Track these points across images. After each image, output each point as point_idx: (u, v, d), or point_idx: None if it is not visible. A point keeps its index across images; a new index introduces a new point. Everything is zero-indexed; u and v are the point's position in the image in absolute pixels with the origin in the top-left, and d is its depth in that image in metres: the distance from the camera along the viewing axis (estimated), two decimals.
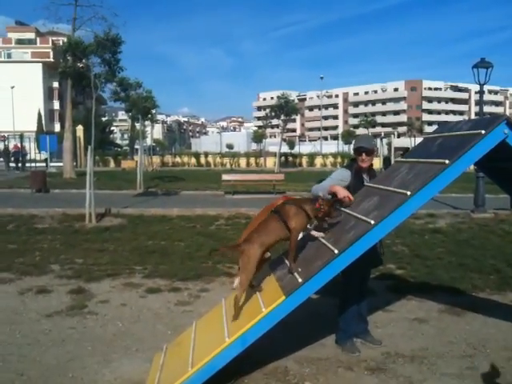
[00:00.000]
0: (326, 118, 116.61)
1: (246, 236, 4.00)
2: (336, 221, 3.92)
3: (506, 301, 6.09)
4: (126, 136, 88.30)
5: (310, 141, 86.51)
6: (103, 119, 66.88)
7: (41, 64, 71.14)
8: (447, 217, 12.96)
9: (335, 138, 79.10)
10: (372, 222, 3.34)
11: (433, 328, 5.15)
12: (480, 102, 13.80)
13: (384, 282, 6.80)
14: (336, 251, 3.35)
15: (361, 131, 70.60)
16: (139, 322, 5.38)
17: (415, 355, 4.45)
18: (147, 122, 44.93)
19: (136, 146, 32.61)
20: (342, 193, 4.13)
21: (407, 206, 3.33)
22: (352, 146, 4.70)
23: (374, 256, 4.63)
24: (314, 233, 4.07)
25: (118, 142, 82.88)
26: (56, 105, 74.49)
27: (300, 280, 3.34)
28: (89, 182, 12.40)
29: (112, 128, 73.33)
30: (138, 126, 32.19)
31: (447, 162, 3.29)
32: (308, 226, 4.10)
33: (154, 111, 28.29)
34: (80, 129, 38.32)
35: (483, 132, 3.29)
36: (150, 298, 6.21)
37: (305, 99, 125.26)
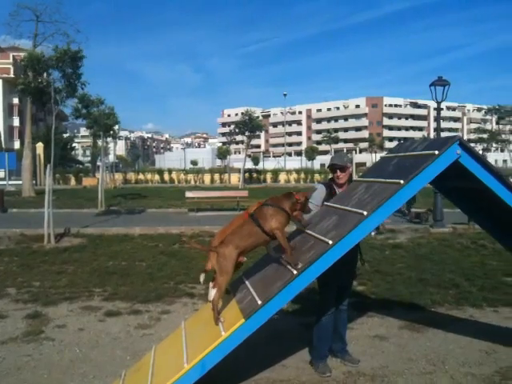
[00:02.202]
0: (289, 134, 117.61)
1: (219, 239, 3.96)
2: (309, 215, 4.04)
3: (465, 315, 6.20)
4: (88, 153, 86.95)
5: (274, 157, 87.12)
6: (64, 136, 65.63)
7: (0, 80, 69.56)
8: (407, 232, 13.19)
9: (299, 153, 79.78)
10: (330, 242, 3.35)
11: (393, 345, 5.19)
12: (437, 119, 14.19)
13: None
14: (295, 272, 3.34)
15: (324, 147, 71.54)
16: (97, 348, 5.23)
17: (376, 374, 4.46)
18: (109, 139, 44.34)
19: (98, 163, 32.12)
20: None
21: (364, 226, 3.36)
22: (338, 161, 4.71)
23: (351, 270, 4.70)
24: (273, 254, 4.04)
25: (80, 158, 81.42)
26: (16, 121, 72.65)
27: (259, 302, 3.31)
28: (47, 201, 12.11)
29: (73, 145, 72.06)
30: (100, 142, 31.74)
31: (402, 182, 3.34)
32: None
33: (116, 127, 27.96)
34: (40, 146, 37.50)
35: (436, 152, 3.36)
36: (109, 322, 6.06)
37: (269, 116, 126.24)
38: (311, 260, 3.34)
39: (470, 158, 3.44)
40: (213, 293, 4.08)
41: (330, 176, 4.71)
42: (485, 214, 4.49)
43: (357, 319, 6.00)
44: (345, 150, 74.14)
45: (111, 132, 29.25)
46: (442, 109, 14.05)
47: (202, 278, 4.46)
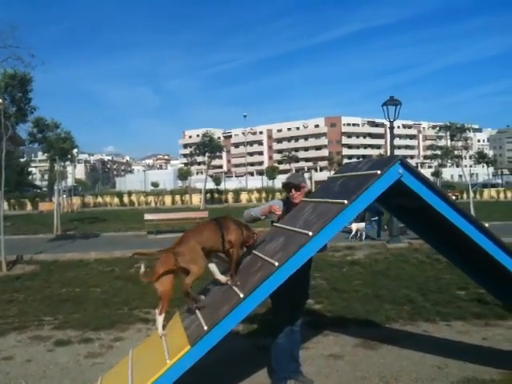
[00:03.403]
0: (251, 154, 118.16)
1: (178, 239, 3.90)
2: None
3: (419, 331, 6.26)
4: (46, 177, 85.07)
5: (236, 176, 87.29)
6: (21, 160, 64.06)
7: None
8: (365, 248, 13.36)
9: (261, 173, 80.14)
10: (276, 263, 3.33)
11: (347, 364, 5.18)
12: (391, 138, 14.54)
13: (302, 318, 6.80)
14: (241, 295, 3.30)
15: (285, 167, 72.17)
16: (44, 379, 5.04)
17: None
18: (68, 163, 43.52)
19: (56, 187, 31.48)
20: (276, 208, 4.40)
21: (309, 247, 3.35)
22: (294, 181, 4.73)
23: (304, 291, 4.69)
24: (219, 277, 3.97)
25: (38, 183, 79.47)
26: None
27: (205, 328, 3.25)
28: None
29: (30, 169, 70.37)
30: (57, 166, 31.07)
31: (346, 202, 3.37)
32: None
33: (75, 151, 27.43)
34: None
35: (379, 172, 3.41)
36: (58, 352, 5.85)
37: (230, 136, 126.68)
38: (258, 282, 3.31)
39: (412, 177, 3.50)
40: (160, 320, 3.97)
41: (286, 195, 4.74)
42: (429, 230, 4.57)
43: (312, 338, 5.98)
44: (305, 169, 75.01)
45: (69, 156, 28.69)
46: (396, 127, 14.41)
47: (142, 267, 4.14)
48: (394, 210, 5.00)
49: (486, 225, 3.69)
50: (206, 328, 3.25)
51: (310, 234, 3.35)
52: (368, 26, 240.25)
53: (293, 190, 4.55)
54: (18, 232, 20.25)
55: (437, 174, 49.76)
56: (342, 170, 4.53)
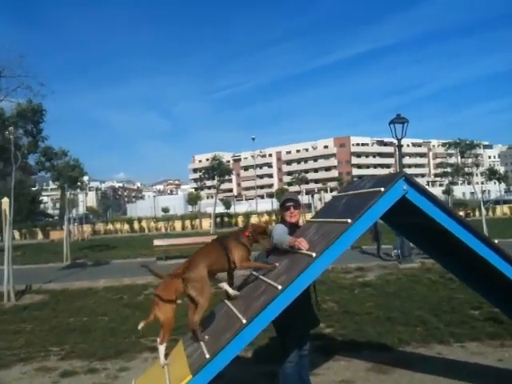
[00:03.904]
0: (260, 176, 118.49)
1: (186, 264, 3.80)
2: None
3: (432, 353, 6.08)
4: (58, 205, 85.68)
5: (246, 200, 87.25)
6: (33, 189, 64.63)
7: None
8: (376, 269, 13.14)
9: (271, 195, 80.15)
10: (279, 287, 3.22)
11: None
12: (399, 156, 14.43)
13: (312, 342, 6.61)
14: (244, 321, 3.18)
15: (294, 188, 72.09)
16: None
17: None
18: (78, 191, 43.79)
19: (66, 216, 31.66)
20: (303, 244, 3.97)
21: (313, 269, 3.24)
22: (279, 205, 4.62)
23: (310, 316, 4.49)
24: (227, 288, 3.88)
25: (50, 211, 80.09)
26: None
27: (207, 356, 3.13)
28: (7, 257, 11.72)
29: (42, 198, 70.87)
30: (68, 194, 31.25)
31: (349, 221, 3.26)
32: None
33: (86, 178, 27.57)
34: (6, 201, 36.69)
35: (382, 189, 3.31)
36: (64, 383, 5.73)
37: (240, 159, 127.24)
38: (261, 307, 3.19)
39: (417, 194, 3.39)
40: (162, 350, 3.86)
41: (281, 217, 4.59)
42: (438, 248, 4.44)
43: (323, 364, 5.81)
44: (315, 190, 74.77)
45: (78, 184, 28.88)
46: (406, 145, 14.34)
47: (141, 325, 4.10)
48: (400, 229, 4.87)
49: (496, 241, 3.55)
50: (208, 356, 3.13)
51: (314, 255, 3.24)
52: (374, 46, 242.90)
53: (292, 208, 4.39)
54: (28, 261, 20.25)
55: (448, 191, 49.28)
56: (346, 189, 4.43)
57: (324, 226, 3.74)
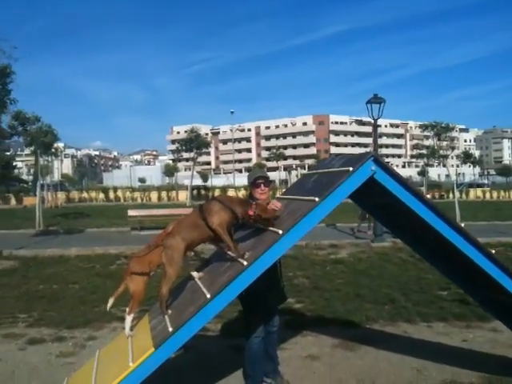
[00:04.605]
0: (239, 151, 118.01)
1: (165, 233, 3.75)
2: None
3: (399, 331, 6.18)
4: (32, 171, 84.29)
5: (224, 173, 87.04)
6: (7, 154, 63.34)
7: None
8: (348, 247, 13.29)
9: (249, 170, 80.00)
10: (245, 263, 3.21)
11: (324, 365, 5.08)
12: (374, 136, 14.49)
13: (281, 317, 6.67)
14: (208, 295, 3.18)
15: (272, 164, 72.06)
16: (12, 380, 4.88)
17: None
18: (53, 157, 43.08)
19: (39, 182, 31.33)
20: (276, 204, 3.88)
21: (279, 246, 3.24)
22: (248, 180, 4.49)
23: (277, 292, 4.49)
24: (193, 273, 3.89)
25: (25, 177, 78.64)
26: None
27: (170, 329, 3.12)
28: None
29: (15, 163, 69.53)
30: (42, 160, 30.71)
31: (317, 199, 3.26)
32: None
33: (62, 145, 27.13)
34: None
35: (351, 169, 3.30)
36: (30, 351, 5.70)
37: (218, 133, 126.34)
38: (225, 283, 3.19)
39: (385, 175, 3.39)
40: (129, 321, 3.85)
41: (249, 194, 4.52)
42: (405, 229, 4.48)
43: (290, 339, 5.87)
44: (293, 166, 74.90)
45: (52, 150, 28.38)
46: (384, 126, 14.39)
47: (110, 303, 4.07)
48: (370, 209, 4.90)
49: (463, 224, 3.59)
50: (170, 330, 3.12)
51: (280, 232, 3.23)
52: (355, 26, 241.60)
53: (262, 185, 4.28)
54: (0, 227, 19.96)
55: (423, 173, 49.94)
56: (316, 167, 4.42)
57: (292, 203, 3.73)
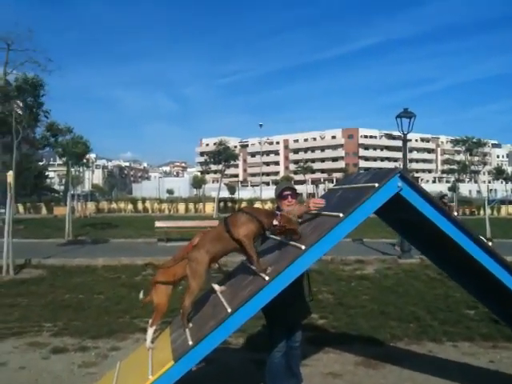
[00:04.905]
0: (267, 163, 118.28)
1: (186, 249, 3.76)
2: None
3: (424, 351, 6.04)
4: (64, 181, 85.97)
5: (252, 186, 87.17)
6: (40, 164, 64.82)
7: None
8: (375, 263, 13.10)
9: (276, 183, 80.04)
10: (267, 278, 3.19)
11: (346, 383, 5.00)
12: (404, 150, 14.31)
13: (304, 333, 6.59)
14: (229, 310, 3.16)
15: (300, 177, 71.97)
16: None
17: None
18: (84, 168, 43.95)
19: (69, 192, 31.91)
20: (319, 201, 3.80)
21: (302, 261, 3.20)
22: (275, 193, 4.48)
23: (300, 307, 4.45)
24: (215, 287, 3.88)
25: (57, 187, 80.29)
26: None
27: (190, 343, 3.11)
28: (7, 231, 11.77)
29: (48, 173, 71.06)
30: (73, 171, 31.29)
31: (341, 215, 3.22)
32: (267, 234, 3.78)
33: (93, 156, 27.69)
34: (10, 174, 36.83)
35: (376, 185, 3.26)
36: (53, 360, 5.76)
37: (247, 145, 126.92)
38: (247, 297, 3.17)
39: (412, 191, 3.33)
40: (150, 333, 3.86)
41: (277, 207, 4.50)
42: (431, 247, 4.39)
43: (313, 355, 5.80)
44: (321, 180, 74.64)
45: (84, 161, 28.91)
46: (414, 140, 14.23)
47: (141, 293, 4.14)
48: (395, 225, 4.82)
49: (490, 244, 3.50)
50: (191, 343, 3.11)
51: (303, 247, 3.20)
52: (386, 39, 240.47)
53: (289, 197, 4.27)
54: (30, 236, 20.36)
55: (454, 188, 49.04)
56: (342, 182, 4.38)
57: (317, 218, 3.69)
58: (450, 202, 20.91)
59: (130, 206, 43.94)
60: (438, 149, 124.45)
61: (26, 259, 12.95)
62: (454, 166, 37.45)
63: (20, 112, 12.04)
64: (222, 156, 36.72)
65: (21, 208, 41.20)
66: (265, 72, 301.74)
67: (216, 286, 3.88)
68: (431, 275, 11.12)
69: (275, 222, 3.50)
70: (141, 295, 4.12)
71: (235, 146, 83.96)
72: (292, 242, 3.49)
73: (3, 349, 6.13)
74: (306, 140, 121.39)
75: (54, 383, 5.05)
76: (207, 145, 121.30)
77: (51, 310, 8.07)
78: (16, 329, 6.98)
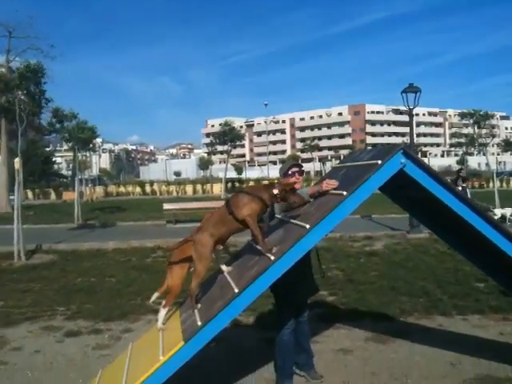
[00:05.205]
0: (273, 143, 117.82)
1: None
2: (296, 205, 3.70)
3: (434, 325, 6.07)
4: (71, 166, 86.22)
5: (259, 165, 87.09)
6: (47, 149, 64.99)
7: None
8: (384, 238, 13.11)
9: (283, 162, 79.81)
10: (272, 257, 3.21)
11: (357, 359, 5.04)
12: (410, 125, 14.20)
13: (314, 310, 6.64)
14: (236, 290, 3.19)
15: (306, 155, 71.72)
16: (50, 371, 5.03)
17: None
18: (91, 152, 44.05)
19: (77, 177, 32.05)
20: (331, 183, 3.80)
21: (306, 240, 3.21)
22: (280, 172, 4.47)
23: (308, 285, 4.49)
24: (223, 267, 3.91)
25: (64, 172, 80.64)
26: None
27: (199, 323, 3.15)
28: (16, 217, 11.87)
29: (56, 159, 71.32)
30: (80, 156, 31.35)
31: (345, 193, 3.21)
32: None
33: (100, 140, 27.74)
34: (17, 161, 36.99)
35: (379, 162, 3.25)
36: (67, 343, 5.86)
37: (253, 125, 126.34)
38: (253, 277, 3.19)
39: (416, 167, 3.32)
40: (163, 314, 3.90)
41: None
42: (438, 222, 4.38)
43: (323, 332, 5.85)
44: (328, 157, 74.42)
45: (90, 145, 28.96)
46: (421, 115, 14.10)
47: (154, 296, 4.21)
48: (400, 201, 4.80)
49: (499, 213, 3.48)
50: (199, 324, 3.15)
51: (308, 226, 3.21)
52: (391, 13, 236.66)
53: (297, 174, 4.27)
54: (40, 221, 20.54)
55: (462, 162, 48.73)
56: (345, 160, 4.36)
57: (320, 197, 3.69)
58: (467, 175, 20.67)
59: (138, 189, 44.11)
60: (446, 122, 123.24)
61: (37, 244, 13.07)
62: (462, 140, 37.12)
63: (24, 99, 12.05)
64: (228, 136, 36.65)
65: (30, 194, 41.50)
66: (268, 52, 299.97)
67: (223, 267, 3.91)
68: (440, 249, 11.11)
69: (275, 192, 3.54)
70: (152, 298, 4.14)
71: (241, 126, 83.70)
72: (296, 221, 3.51)
73: (18, 333, 6.23)
74: (312, 118, 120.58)
75: (68, 366, 5.13)
76: (213, 126, 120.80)
77: (64, 294, 8.17)
78: (30, 313, 7.08)
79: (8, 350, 5.63)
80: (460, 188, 14.59)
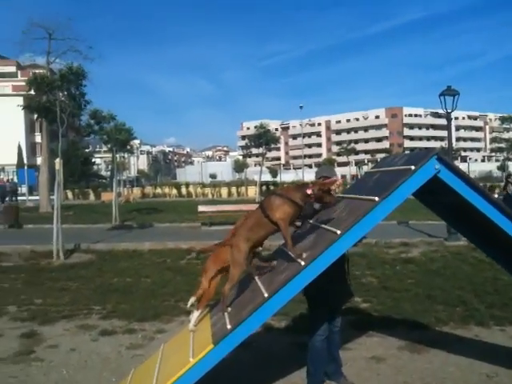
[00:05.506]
0: (309, 146, 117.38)
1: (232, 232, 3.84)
2: (330, 206, 3.65)
3: (470, 335, 5.92)
4: (110, 167, 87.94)
5: (294, 169, 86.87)
6: (86, 151, 66.54)
7: (22, 97, 70.76)
8: (421, 245, 12.87)
9: (319, 165, 79.43)
10: (302, 263, 3.19)
11: (390, 367, 4.96)
12: (448, 129, 13.92)
13: (347, 317, 6.56)
14: (266, 295, 3.19)
15: (342, 159, 71.15)
16: (85, 369, 5.13)
17: None
18: (129, 154, 44.84)
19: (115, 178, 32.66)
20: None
21: (337, 246, 3.18)
22: (316, 176, 4.48)
23: (342, 291, 4.47)
24: (251, 271, 3.90)
25: (103, 173, 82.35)
26: (38, 138, 73.81)
27: (229, 327, 3.17)
28: (56, 217, 12.18)
29: (95, 160, 72.93)
30: (118, 157, 31.95)
31: (377, 199, 3.17)
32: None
33: (137, 142, 28.21)
34: (58, 161, 37.98)
35: (413, 168, 3.19)
36: (102, 342, 5.97)
37: (288, 128, 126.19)
38: (283, 282, 3.19)
39: (450, 173, 3.25)
40: (195, 316, 3.93)
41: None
42: (473, 229, 4.27)
43: (356, 339, 5.78)
44: (365, 161, 73.61)
45: (128, 147, 29.44)
46: (461, 118, 13.81)
47: (190, 301, 4.22)
48: (435, 207, 4.70)
49: None
50: (229, 327, 3.16)
51: (339, 232, 3.18)
52: (430, 13, 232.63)
53: None
54: (79, 221, 21.01)
55: (503, 167, 47.35)
56: (379, 165, 4.30)
57: (353, 202, 3.66)
58: (499, 181, 20.13)
59: (174, 191, 44.63)
60: (487, 126, 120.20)
61: (76, 244, 13.38)
62: (503, 145, 36.11)
63: (65, 100, 12.37)
64: (263, 139, 36.55)
65: (70, 194, 42.55)
66: (305, 53, 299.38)
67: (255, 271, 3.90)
68: (479, 257, 10.80)
69: (309, 192, 3.49)
70: (190, 303, 4.18)
71: (276, 129, 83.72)
72: (327, 226, 3.48)
73: (54, 331, 6.38)
74: (348, 121, 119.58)
75: (102, 365, 5.22)
76: (248, 128, 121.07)
77: (100, 294, 8.33)
78: (66, 312, 7.25)
79: (45, 348, 5.77)
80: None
